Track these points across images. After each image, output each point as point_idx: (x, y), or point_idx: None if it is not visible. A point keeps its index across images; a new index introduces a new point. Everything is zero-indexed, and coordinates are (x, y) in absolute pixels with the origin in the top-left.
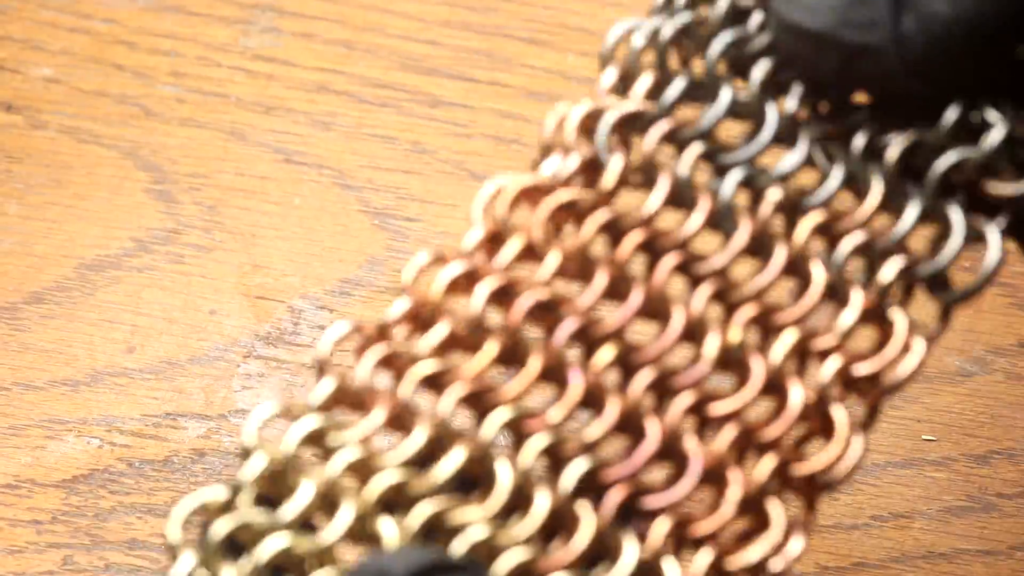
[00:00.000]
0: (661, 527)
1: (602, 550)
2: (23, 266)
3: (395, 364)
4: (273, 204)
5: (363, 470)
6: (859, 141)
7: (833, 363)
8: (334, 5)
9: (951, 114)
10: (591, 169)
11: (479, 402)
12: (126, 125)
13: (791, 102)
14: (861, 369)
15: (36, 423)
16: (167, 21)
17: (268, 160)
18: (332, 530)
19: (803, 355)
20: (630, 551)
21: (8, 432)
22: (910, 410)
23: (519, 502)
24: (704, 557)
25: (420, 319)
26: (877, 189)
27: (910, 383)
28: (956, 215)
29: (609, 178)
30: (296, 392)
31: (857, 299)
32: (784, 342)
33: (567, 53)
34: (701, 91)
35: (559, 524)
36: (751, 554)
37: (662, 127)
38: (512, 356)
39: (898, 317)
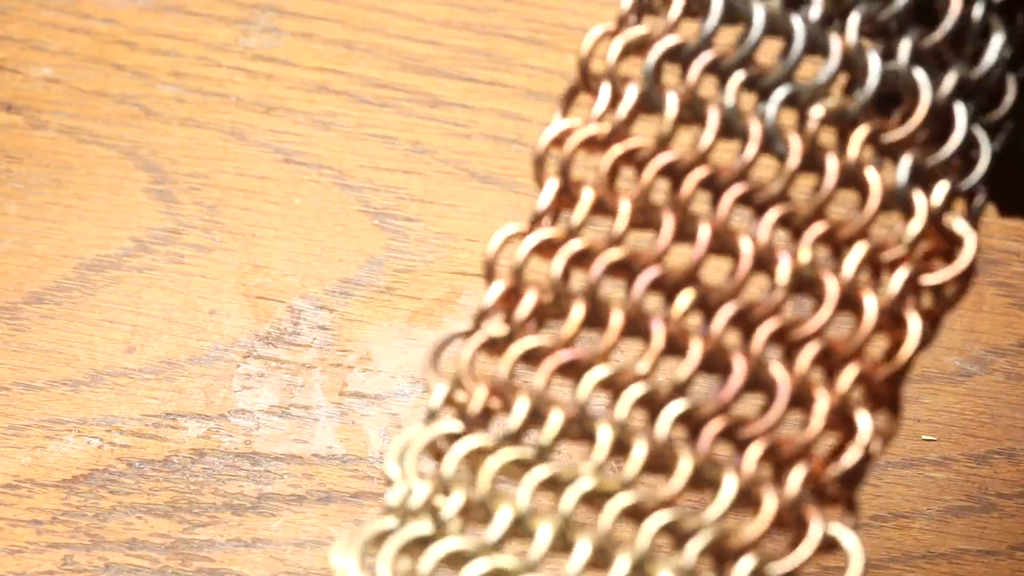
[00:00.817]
0: (754, 453)
1: (702, 485)
2: (23, 266)
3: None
4: (273, 204)
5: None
6: (904, 46)
7: (902, 273)
8: (334, 5)
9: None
10: (639, 107)
11: (572, 370)
12: (126, 125)
13: (815, 10)
14: (931, 279)
15: (36, 423)
16: (167, 21)
17: (268, 160)
18: (449, 507)
19: (873, 267)
20: (729, 483)
21: (8, 432)
22: (910, 410)
23: (620, 453)
24: (798, 474)
25: (509, 298)
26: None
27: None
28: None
29: (667, 121)
30: (296, 392)
31: (921, 207)
32: (854, 255)
33: (567, 53)
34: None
35: (659, 467)
36: (846, 460)
37: (705, 59)
38: (594, 316)
39: (957, 224)
